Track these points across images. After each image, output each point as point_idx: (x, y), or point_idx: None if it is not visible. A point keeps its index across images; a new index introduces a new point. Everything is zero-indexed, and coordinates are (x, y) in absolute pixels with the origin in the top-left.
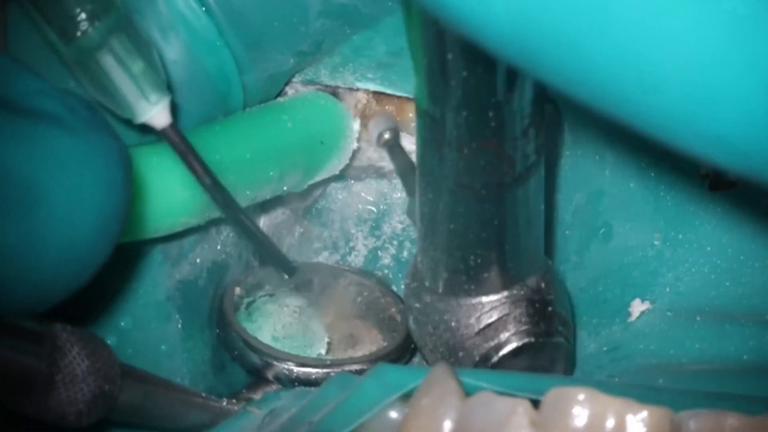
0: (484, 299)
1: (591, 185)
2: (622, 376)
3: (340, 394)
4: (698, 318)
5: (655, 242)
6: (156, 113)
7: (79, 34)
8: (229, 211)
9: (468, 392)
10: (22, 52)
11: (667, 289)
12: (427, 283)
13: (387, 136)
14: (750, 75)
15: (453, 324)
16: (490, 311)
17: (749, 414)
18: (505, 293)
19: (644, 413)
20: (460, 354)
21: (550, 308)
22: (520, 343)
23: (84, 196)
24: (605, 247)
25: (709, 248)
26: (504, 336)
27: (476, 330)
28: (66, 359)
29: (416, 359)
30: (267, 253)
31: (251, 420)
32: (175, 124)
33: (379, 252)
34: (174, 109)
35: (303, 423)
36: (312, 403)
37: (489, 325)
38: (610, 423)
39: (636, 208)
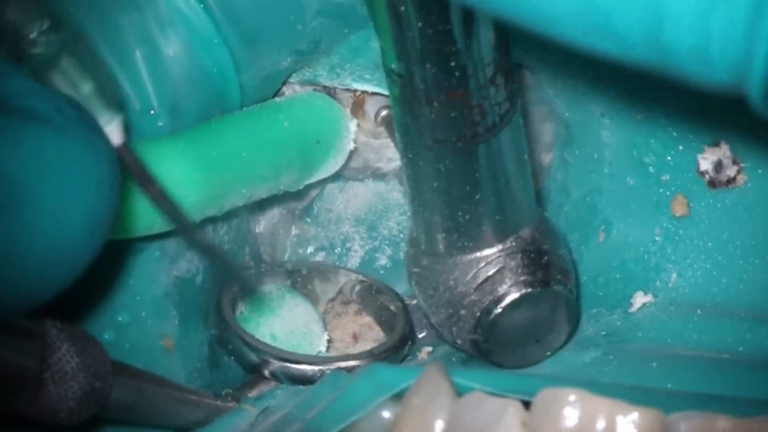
0: (479, 254)
1: (589, 183)
2: (617, 356)
3: (332, 393)
4: (698, 311)
5: (657, 238)
6: (108, 133)
7: (28, 53)
8: (187, 233)
9: (459, 392)
10: None
11: (669, 285)
12: (422, 246)
13: (384, 113)
14: None
15: (451, 283)
16: (486, 266)
17: (740, 416)
18: (500, 246)
19: (635, 414)
20: (462, 312)
21: (546, 258)
22: (518, 294)
23: (71, 195)
24: (605, 244)
25: (710, 245)
26: (502, 289)
27: (474, 286)
28: (55, 356)
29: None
30: (228, 272)
31: (245, 418)
32: (127, 143)
33: (375, 253)
34: (172, 108)
35: (295, 421)
36: (305, 401)
37: (486, 279)
38: (601, 424)
39: (635, 205)
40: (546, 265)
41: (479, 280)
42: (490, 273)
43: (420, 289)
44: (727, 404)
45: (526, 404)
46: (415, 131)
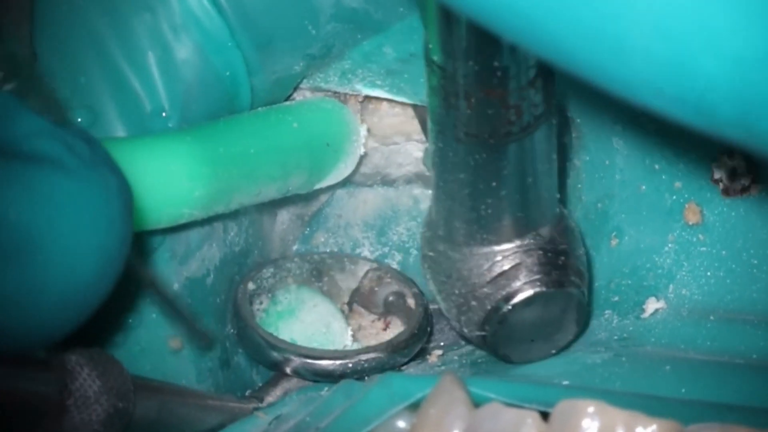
0: (496, 248)
1: (601, 189)
2: (629, 359)
3: (346, 402)
4: (711, 317)
5: (669, 245)
6: None
7: None
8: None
9: (476, 402)
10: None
11: (682, 292)
12: (440, 232)
13: None
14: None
15: (465, 273)
16: (502, 260)
17: (758, 427)
18: (518, 242)
19: (653, 426)
20: (472, 303)
21: (563, 258)
22: (531, 293)
23: (83, 239)
24: (617, 250)
25: (724, 253)
26: (516, 285)
27: (488, 279)
28: (77, 382)
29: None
30: (184, 324)
31: (257, 425)
32: None
33: (385, 259)
34: (183, 110)
35: (308, 429)
36: (318, 409)
37: (501, 273)
38: None
39: (648, 212)
40: (562, 265)
41: (494, 274)
42: (505, 268)
43: (432, 273)
44: (745, 414)
45: (544, 415)
46: (449, 123)
